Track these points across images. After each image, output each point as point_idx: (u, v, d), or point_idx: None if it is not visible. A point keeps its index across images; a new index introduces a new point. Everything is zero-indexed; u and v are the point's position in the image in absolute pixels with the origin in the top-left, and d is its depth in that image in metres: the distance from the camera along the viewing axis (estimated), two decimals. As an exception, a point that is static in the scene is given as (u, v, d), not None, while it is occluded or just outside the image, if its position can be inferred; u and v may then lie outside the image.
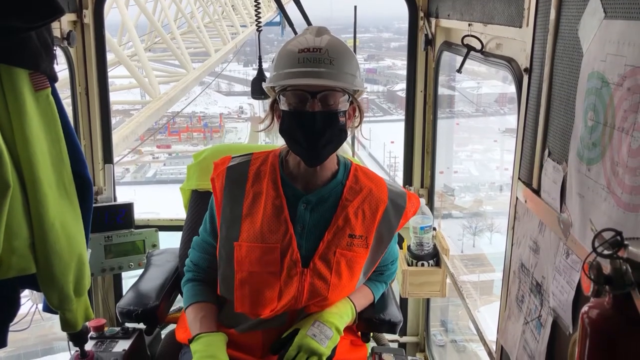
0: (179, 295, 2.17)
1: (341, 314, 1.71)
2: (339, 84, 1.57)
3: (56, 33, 2.41)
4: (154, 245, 2.78)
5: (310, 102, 1.55)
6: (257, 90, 2.39)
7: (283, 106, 1.60)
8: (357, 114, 1.69)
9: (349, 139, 1.93)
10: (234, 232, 1.69)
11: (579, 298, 1.16)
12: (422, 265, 2.58)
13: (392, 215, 1.74)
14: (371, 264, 1.78)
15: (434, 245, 2.63)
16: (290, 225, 1.66)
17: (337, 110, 1.58)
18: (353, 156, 2.75)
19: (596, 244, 0.81)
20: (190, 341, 1.65)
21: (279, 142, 1.82)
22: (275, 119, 1.68)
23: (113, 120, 3.12)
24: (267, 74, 1.73)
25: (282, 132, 1.64)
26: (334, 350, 1.67)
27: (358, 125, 1.72)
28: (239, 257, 1.67)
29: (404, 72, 2.89)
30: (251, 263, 1.65)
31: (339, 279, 1.68)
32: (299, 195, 1.70)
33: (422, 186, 2.91)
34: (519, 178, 1.53)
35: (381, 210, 1.72)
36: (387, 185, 1.78)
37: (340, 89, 1.58)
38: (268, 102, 1.75)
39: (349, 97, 1.61)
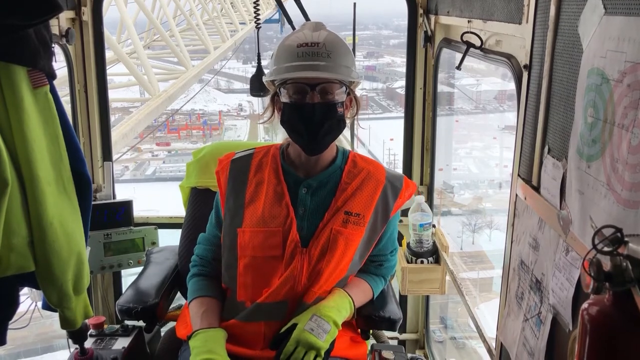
0: (179, 293, 2.17)
1: (339, 307, 1.72)
2: (336, 76, 1.65)
3: (54, 30, 2.40)
4: (154, 243, 2.78)
5: (310, 94, 1.63)
6: (256, 87, 2.39)
7: (284, 98, 1.68)
8: (353, 104, 1.77)
9: (348, 135, 1.94)
10: (237, 220, 1.74)
11: (578, 295, 1.16)
12: (422, 262, 2.58)
13: (389, 196, 1.80)
14: (367, 246, 1.81)
15: (434, 243, 2.62)
16: (291, 209, 1.73)
17: (335, 102, 1.66)
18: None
19: (596, 241, 0.81)
20: (189, 338, 1.66)
21: (279, 140, 1.85)
22: (275, 112, 1.76)
23: (112, 118, 3.12)
24: (267, 71, 1.78)
25: (284, 123, 1.71)
26: (332, 343, 1.67)
27: (355, 115, 1.80)
28: (242, 242, 1.72)
29: (404, 70, 2.89)
30: (254, 248, 1.71)
31: (332, 255, 1.71)
32: (300, 180, 1.77)
33: (421, 183, 2.91)
34: (518, 175, 1.53)
35: (379, 190, 1.79)
36: (385, 168, 1.85)
37: (337, 81, 1.65)
38: (268, 97, 1.82)
39: (346, 89, 1.69)
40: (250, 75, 2.45)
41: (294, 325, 1.66)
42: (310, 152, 1.72)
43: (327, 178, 1.78)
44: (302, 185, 1.76)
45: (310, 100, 1.63)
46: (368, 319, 1.88)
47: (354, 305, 1.79)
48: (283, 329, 1.67)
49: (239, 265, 1.73)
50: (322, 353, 1.62)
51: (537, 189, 1.38)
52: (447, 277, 2.56)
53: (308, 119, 1.64)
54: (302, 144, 1.71)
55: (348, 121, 1.76)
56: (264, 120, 1.79)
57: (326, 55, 1.63)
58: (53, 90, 1.42)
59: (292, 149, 1.79)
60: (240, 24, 19.06)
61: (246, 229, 1.72)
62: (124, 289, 2.40)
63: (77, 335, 1.73)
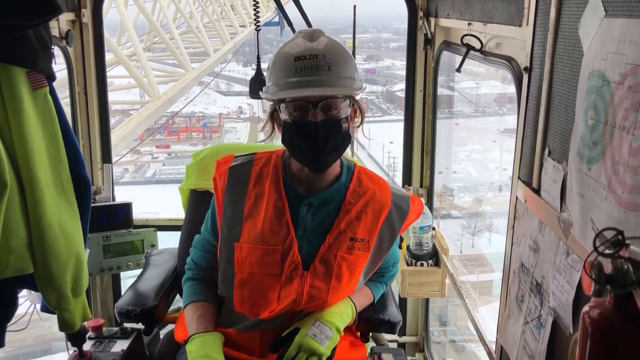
0: (178, 295, 2.17)
1: (341, 313, 1.70)
2: (339, 91, 1.56)
3: (54, 32, 2.40)
4: (153, 245, 2.77)
5: (312, 112, 1.54)
6: (255, 90, 2.39)
7: (284, 116, 1.59)
8: (358, 113, 1.68)
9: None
10: (235, 233, 1.68)
11: (579, 298, 1.15)
12: (422, 265, 2.58)
13: (395, 219, 1.73)
14: (372, 267, 1.77)
15: (433, 245, 2.62)
16: (291, 228, 1.66)
17: (340, 117, 1.57)
18: (352, 156, 2.75)
19: (597, 243, 0.81)
20: (186, 342, 1.65)
21: (278, 142, 1.82)
22: (276, 127, 1.67)
23: (112, 120, 3.12)
24: (265, 74, 1.71)
25: (285, 143, 1.63)
26: (333, 350, 1.66)
27: (359, 125, 1.70)
28: (239, 258, 1.66)
29: (403, 73, 2.89)
30: (251, 264, 1.65)
31: (339, 282, 1.67)
32: (301, 197, 1.69)
33: (421, 186, 2.91)
34: (518, 177, 1.53)
35: (384, 214, 1.71)
36: (391, 189, 1.76)
37: (341, 96, 1.57)
38: (267, 108, 1.73)
39: (350, 102, 1.60)
40: (249, 78, 2.45)
41: (296, 330, 1.65)
42: (315, 171, 1.64)
43: (330, 196, 1.70)
44: (303, 203, 1.68)
45: (312, 118, 1.53)
46: (368, 322, 1.87)
47: (356, 311, 1.78)
48: (285, 333, 1.66)
49: (235, 279, 1.68)
50: (324, 359, 1.61)
51: (537, 191, 1.38)
52: (447, 280, 2.56)
53: (311, 139, 1.55)
54: (306, 163, 1.63)
55: (352, 132, 1.68)
56: (264, 138, 1.73)
57: (327, 68, 1.53)
58: (52, 92, 1.42)
59: (295, 163, 1.69)
60: (240, 26, 19.10)
61: (244, 245, 1.66)
62: (123, 291, 2.39)
63: (75, 337, 1.73)
